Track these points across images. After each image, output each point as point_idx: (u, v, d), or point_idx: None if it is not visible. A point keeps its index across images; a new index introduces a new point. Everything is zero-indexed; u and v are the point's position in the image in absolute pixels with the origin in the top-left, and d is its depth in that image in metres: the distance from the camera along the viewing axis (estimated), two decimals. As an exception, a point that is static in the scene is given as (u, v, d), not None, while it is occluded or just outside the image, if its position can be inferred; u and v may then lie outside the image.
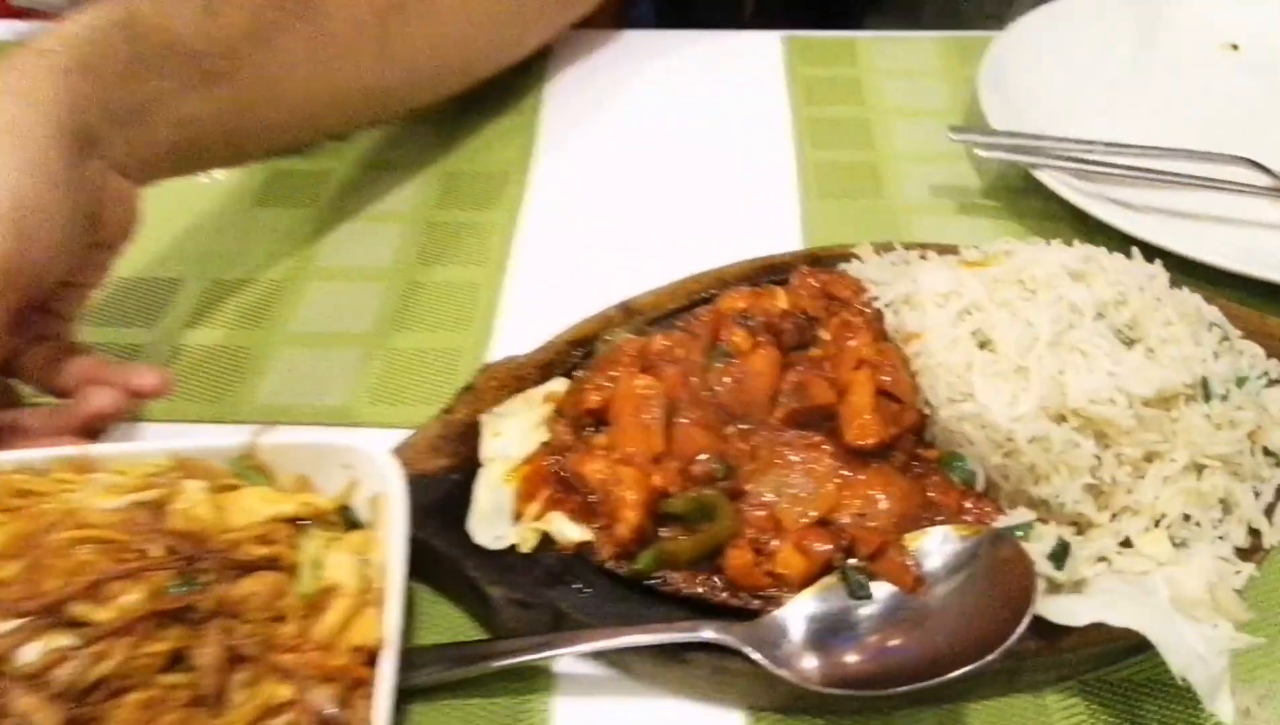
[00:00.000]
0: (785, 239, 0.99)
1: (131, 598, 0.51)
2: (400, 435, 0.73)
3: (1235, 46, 1.20)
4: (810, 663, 0.58)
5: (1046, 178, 0.96)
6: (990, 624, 0.56)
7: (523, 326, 0.88)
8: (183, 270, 0.97)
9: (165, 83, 0.77)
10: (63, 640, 0.49)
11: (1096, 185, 0.98)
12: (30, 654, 0.48)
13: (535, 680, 0.64)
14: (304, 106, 0.90)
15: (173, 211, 1.03)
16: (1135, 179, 0.98)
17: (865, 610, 0.60)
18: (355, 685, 0.53)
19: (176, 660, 0.51)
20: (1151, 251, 0.77)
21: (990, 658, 0.54)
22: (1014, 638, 0.55)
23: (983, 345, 0.68)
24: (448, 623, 0.68)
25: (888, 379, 0.66)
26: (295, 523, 0.60)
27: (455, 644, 0.65)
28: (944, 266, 0.75)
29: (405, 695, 0.62)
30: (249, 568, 0.55)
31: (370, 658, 0.54)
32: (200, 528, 0.55)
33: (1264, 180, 0.98)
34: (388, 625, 0.55)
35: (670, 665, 0.62)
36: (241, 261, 0.98)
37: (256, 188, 1.07)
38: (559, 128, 1.15)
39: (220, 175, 1.07)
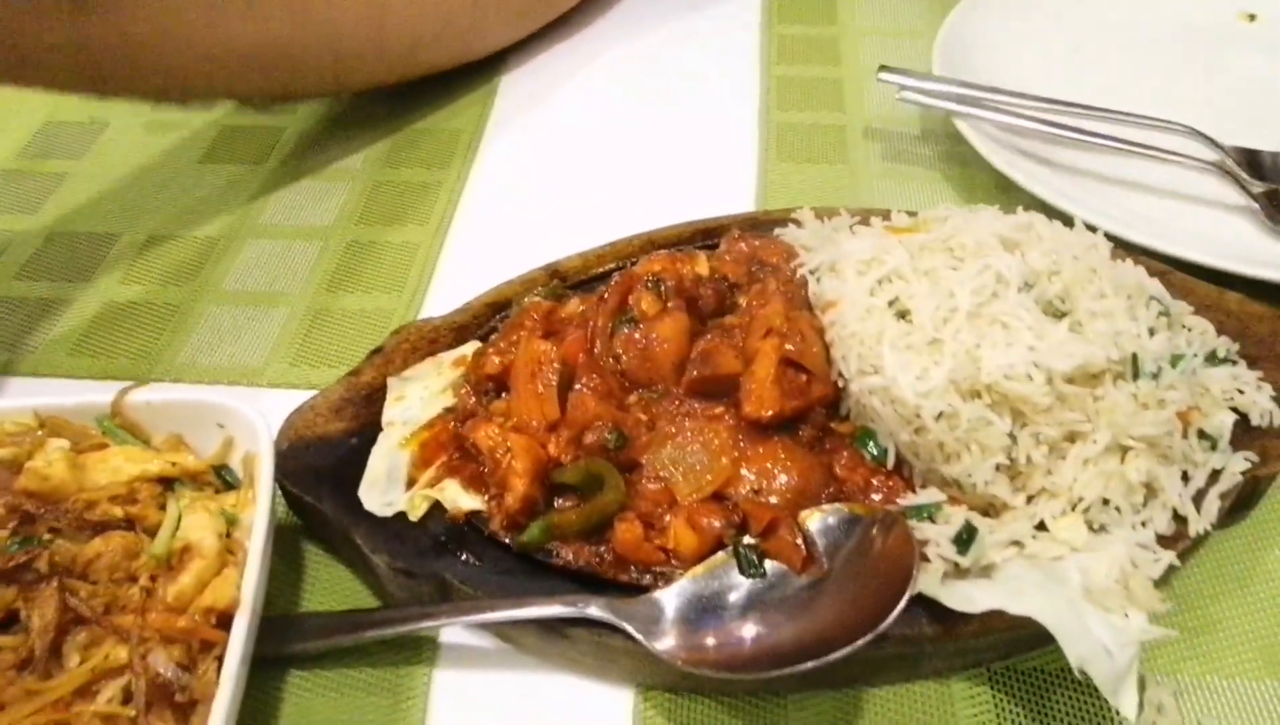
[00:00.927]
0: (739, 203, 0.95)
1: (-33, 555, 0.49)
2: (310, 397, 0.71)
3: (1252, 17, 1.13)
4: (690, 641, 0.56)
5: (967, 129, 0.92)
6: (876, 604, 0.54)
7: (458, 289, 0.85)
8: (120, 225, 0.96)
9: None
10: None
11: (1029, 142, 0.93)
12: None
13: (419, 651, 0.62)
14: (188, 55, 0.85)
15: (112, 166, 1.02)
16: (1061, 139, 0.92)
17: (752, 588, 0.57)
18: (206, 648, 0.51)
19: (12, 622, 0.49)
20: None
21: (861, 641, 0.51)
22: (886, 622, 0.52)
23: (901, 315, 0.64)
24: (340, 587, 0.66)
25: (794, 349, 0.62)
26: (165, 483, 0.58)
27: (338, 613, 0.64)
28: (871, 233, 0.71)
29: (283, 663, 0.61)
30: (102, 527, 0.53)
31: (227, 620, 0.52)
32: (53, 487, 0.54)
33: (1209, 154, 0.92)
34: (245, 587, 0.53)
35: (554, 640, 0.60)
36: (181, 218, 0.96)
37: (203, 144, 1.05)
38: (520, 83, 1.12)
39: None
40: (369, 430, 0.69)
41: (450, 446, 0.67)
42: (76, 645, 0.49)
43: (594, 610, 0.57)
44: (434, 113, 1.08)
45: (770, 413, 0.61)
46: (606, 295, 0.68)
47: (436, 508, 0.64)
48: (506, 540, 0.62)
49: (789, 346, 0.62)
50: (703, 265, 0.71)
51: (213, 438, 0.62)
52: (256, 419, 0.61)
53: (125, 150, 1.05)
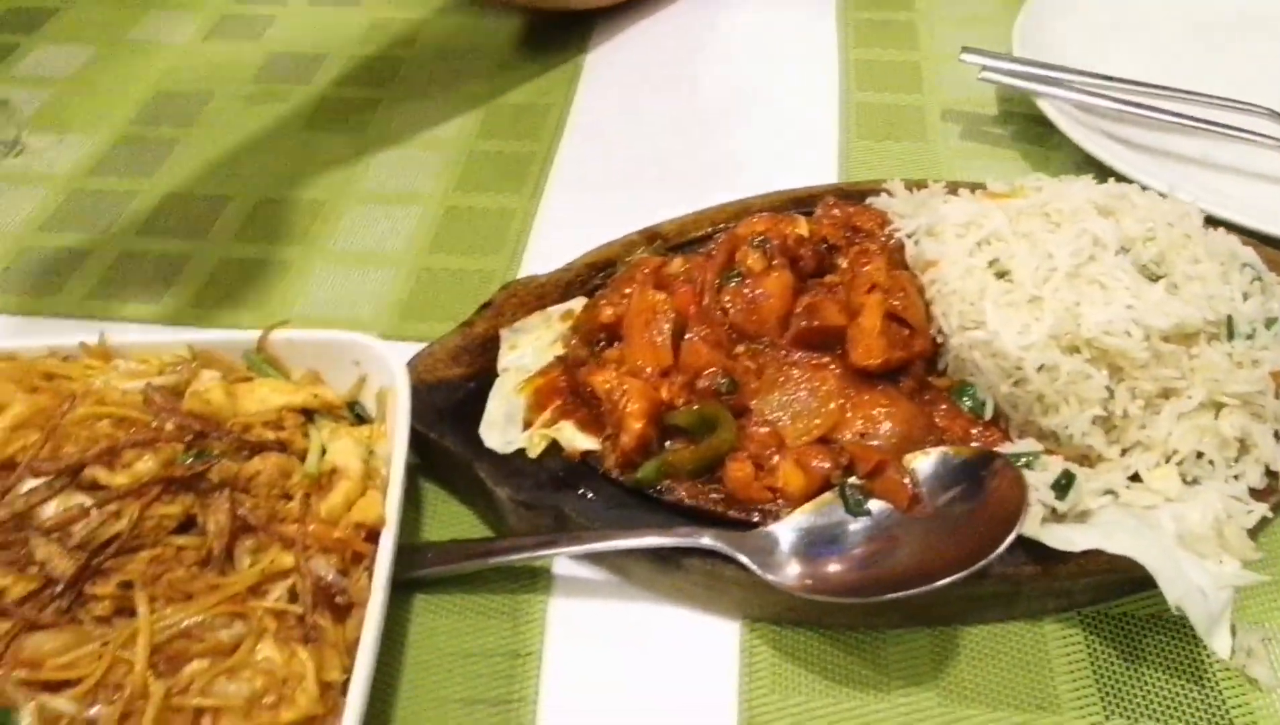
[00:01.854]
0: (821, 176, 0.98)
1: (145, 465, 0.54)
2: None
3: None
4: (800, 571, 0.59)
5: (1049, 108, 0.94)
6: (980, 542, 0.56)
7: (553, 251, 0.89)
8: (231, 188, 1.00)
9: None
10: (79, 500, 0.52)
11: (1108, 123, 0.95)
12: (49, 510, 0.52)
13: (535, 581, 0.66)
14: None
15: (219, 134, 1.07)
16: (1141, 119, 0.95)
17: (860, 526, 0.60)
18: (356, 559, 0.55)
19: (189, 526, 0.53)
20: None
21: (969, 570, 0.54)
22: (994, 554, 0.55)
23: (1000, 275, 0.67)
24: (457, 522, 0.70)
25: (898, 304, 0.65)
26: (305, 413, 0.62)
27: (459, 541, 0.67)
28: (968, 200, 0.74)
29: (409, 586, 0.65)
30: (258, 448, 0.57)
31: (372, 536, 0.56)
32: (213, 411, 0.58)
33: None
34: (389, 505, 0.57)
35: (667, 571, 0.63)
36: (288, 182, 1.01)
37: (307, 113, 1.10)
38: (605, 61, 1.16)
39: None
40: (485, 376, 0.73)
41: (564, 392, 0.70)
42: (246, 549, 0.53)
43: (709, 540, 0.61)
44: (523, 88, 1.12)
45: (877, 361, 0.64)
46: (714, 253, 0.71)
47: (553, 447, 0.68)
48: (621, 478, 0.66)
49: (894, 301, 0.65)
50: (803, 227, 0.74)
51: (348, 375, 0.67)
52: (391, 356, 0.65)
53: (230, 119, 1.10)
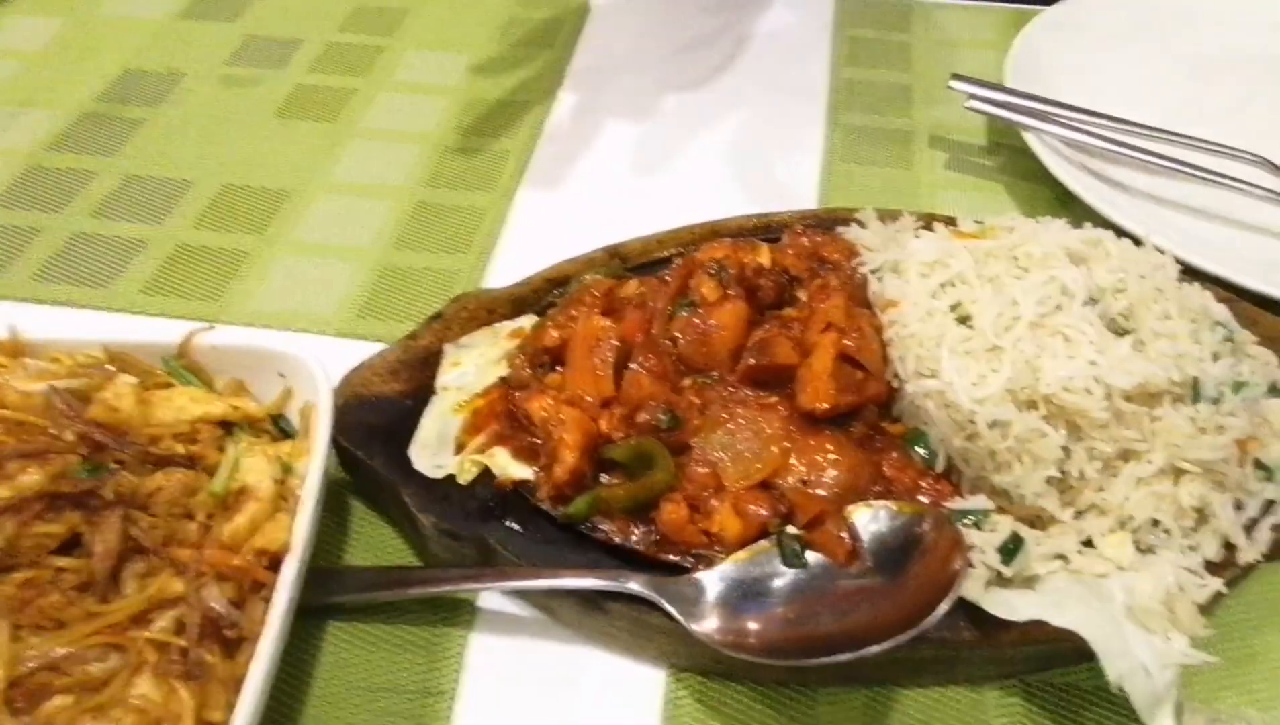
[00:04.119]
0: (801, 200, 0.95)
1: (30, 478, 0.51)
2: (380, 348, 0.73)
3: None
4: (724, 625, 0.56)
5: (1034, 142, 0.91)
6: (917, 605, 0.54)
7: (521, 256, 0.87)
8: (194, 172, 0.97)
9: None
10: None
11: (1095, 161, 0.92)
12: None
13: (456, 614, 0.63)
14: None
15: (188, 116, 1.04)
16: (1128, 159, 0.92)
17: (793, 579, 0.58)
18: (255, 588, 0.52)
19: (74, 545, 0.50)
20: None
21: (898, 639, 0.51)
22: (927, 622, 0.52)
23: (962, 320, 0.64)
24: (383, 546, 0.67)
25: (852, 345, 0.62)
26: (224, 425, 0.59)
27: (381, 568, 0.65)
28: (938, 237, 0.71)
29: (323, 613, 0.62)
30: (164, 462, 0.54)
31: (276, 563, 0.54)
32: (121, 419, 0.55)
33: (1278, 184, 0.90)
34: (297, 531, 0.54)
35: (592, 613, 0.61)
36: (254, 169, 0.98)
37: (277, 100, 1.07)
38: (589, 62, 1.12)
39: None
40: (423, 393, 0.70)
41: (502, 416, 0.67)
42: (134, 573, 0.50)
43: (635, 586, 0.58)
44: (503, 84, 1.09)
45: (825, 406, 0.61)
46: (669, 278, 0.68)
47: (484, 476, 0.65)
48: (552, 511, 0.63)
49: (847, 342, 0.63)
50: (765, 256, 0.71)
51: (273, 386, 0.64)
52: (318, 370, 0.62)
53: (201, 101, 1.07)
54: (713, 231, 0.82)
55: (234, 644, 0.50)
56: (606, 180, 0.98)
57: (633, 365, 0.64)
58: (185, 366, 0.62)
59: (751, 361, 0.64)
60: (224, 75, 1.10)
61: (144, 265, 0.88)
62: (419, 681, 0.60)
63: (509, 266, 0.86)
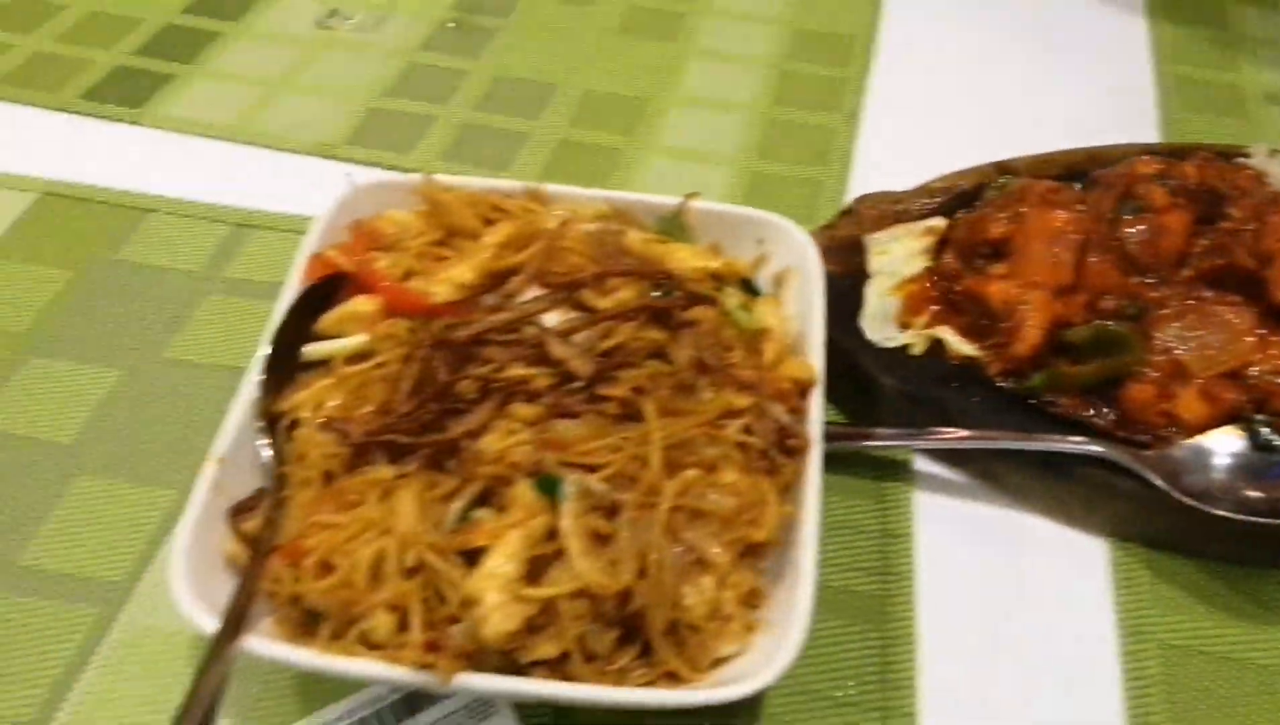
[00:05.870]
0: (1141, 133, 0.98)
1: (626, 292, 0.57)
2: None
3: None
4: (1210, 493, 0.59)
5: None
6: None
7: (879, 171, 0.91)
8: (558, 78, 1.04)
9: None
10: (571, 316, 0.56)
11: None
12: (551, 320, 0.55)
13: (897, 473, 0.68)
14: None
15: (534, 29, 1.11)
16: None
17: (1268, 462, 0.61)
18: (793, 412, 0.58)
19: (657, 357, 0.56)
20: None
21: None
22: None
23: None
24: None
25: (1317, 252, 0.65)
26: (715, 280, 0.65)
27: (846, 425, 0.70)
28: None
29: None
30: (697, 300, 0.60)
31: (800, 394, 0.59)
32: (652, 261, 0.61)
33: None
34: (816, 362, 0.59)
35: (1050, 478, 0.65)
36: (609, 79, 1.04)
37: (615, 20, 1.12)
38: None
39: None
40: (854, 275, 0.75)
41: (937, 299, 0.72)
42: (705, 386, 0.56)
43: (1111, 452, 0.62)
44: (819, 17, 1.13)
45: (1304, 301, 0.64)
46: (1109, 182, 0.72)
47: (929, 351, 0.70)
48: (1004, 386, 0.67)
49: (1313, 249, 0.65)
50: (1193, 173, 0.74)
51: (747, 252, 0.69)
52: (803, 235, 0.67)
53: (545, 16, 1.13)
54: (1091, 157, 0.85)
55: (786, 455, 0.56)
56: (938, 110, 1.01)
57: (1093, 257, 0.68)
58: (679, 226, 0.68)
59: (1213, 262, 0.67)
60: (561, -7, 1.17)
61: (534, 154, 0.94)
62: (878, 525, 0.65)
63: (870, 179, 0.91)
